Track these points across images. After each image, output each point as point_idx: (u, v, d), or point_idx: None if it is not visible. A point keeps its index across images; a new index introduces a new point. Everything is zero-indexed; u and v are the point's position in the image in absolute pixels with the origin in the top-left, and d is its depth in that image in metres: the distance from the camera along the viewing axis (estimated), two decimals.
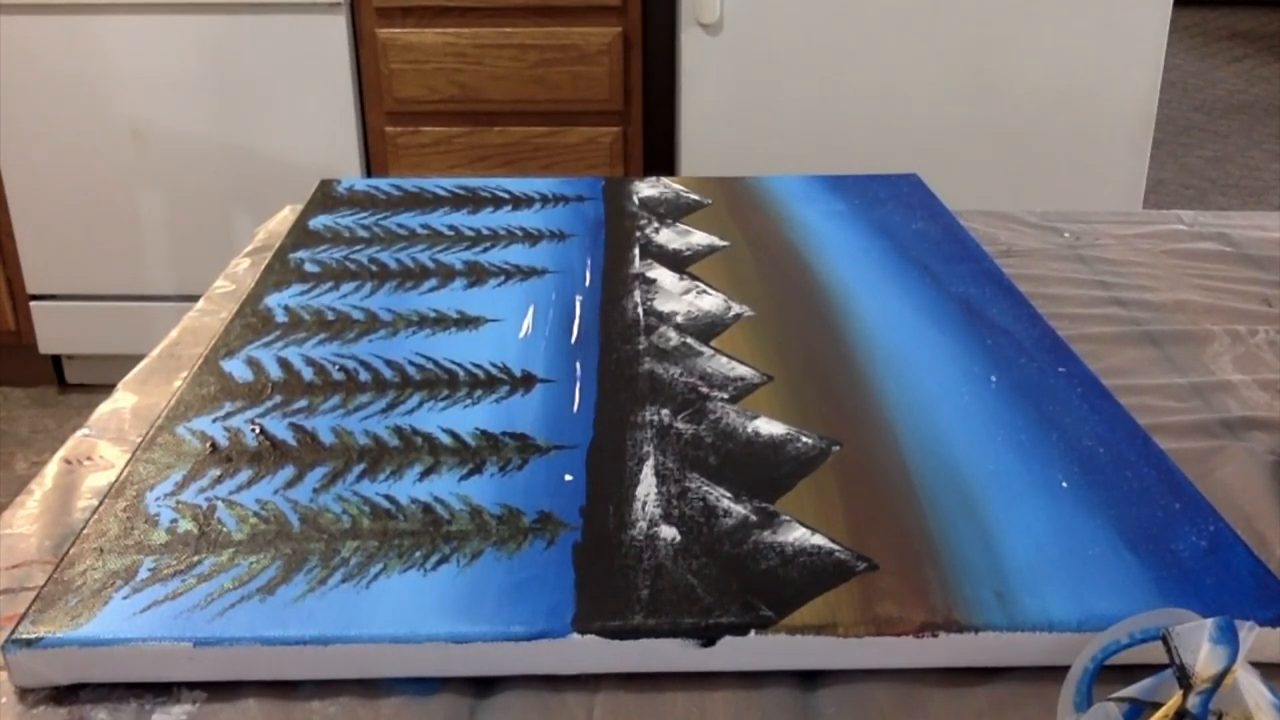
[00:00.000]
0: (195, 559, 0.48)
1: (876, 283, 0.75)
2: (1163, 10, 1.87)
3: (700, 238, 0.82)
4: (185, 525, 0.50)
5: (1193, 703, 0.36)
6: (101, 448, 0.60)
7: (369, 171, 1.99)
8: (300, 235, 0.82)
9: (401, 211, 0.86)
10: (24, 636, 0.43)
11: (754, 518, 0.51)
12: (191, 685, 0.44)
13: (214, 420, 0.58)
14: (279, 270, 0.76)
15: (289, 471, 0.54)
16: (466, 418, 0.58)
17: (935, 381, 0.62)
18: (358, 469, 0.54)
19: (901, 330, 0.68)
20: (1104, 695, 0.39)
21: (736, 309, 0.71)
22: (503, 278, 0.75)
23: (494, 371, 0.63)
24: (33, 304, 1.95)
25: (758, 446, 0.56)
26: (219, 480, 0.53)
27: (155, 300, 1.95)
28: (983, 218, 0.91)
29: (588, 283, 0.74)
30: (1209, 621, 0.38)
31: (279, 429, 0.57)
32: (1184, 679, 0.37)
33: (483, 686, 0.44)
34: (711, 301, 0.72)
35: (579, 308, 0.71)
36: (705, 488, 0.53)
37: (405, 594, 0.46)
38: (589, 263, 0.78)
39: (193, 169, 1.84)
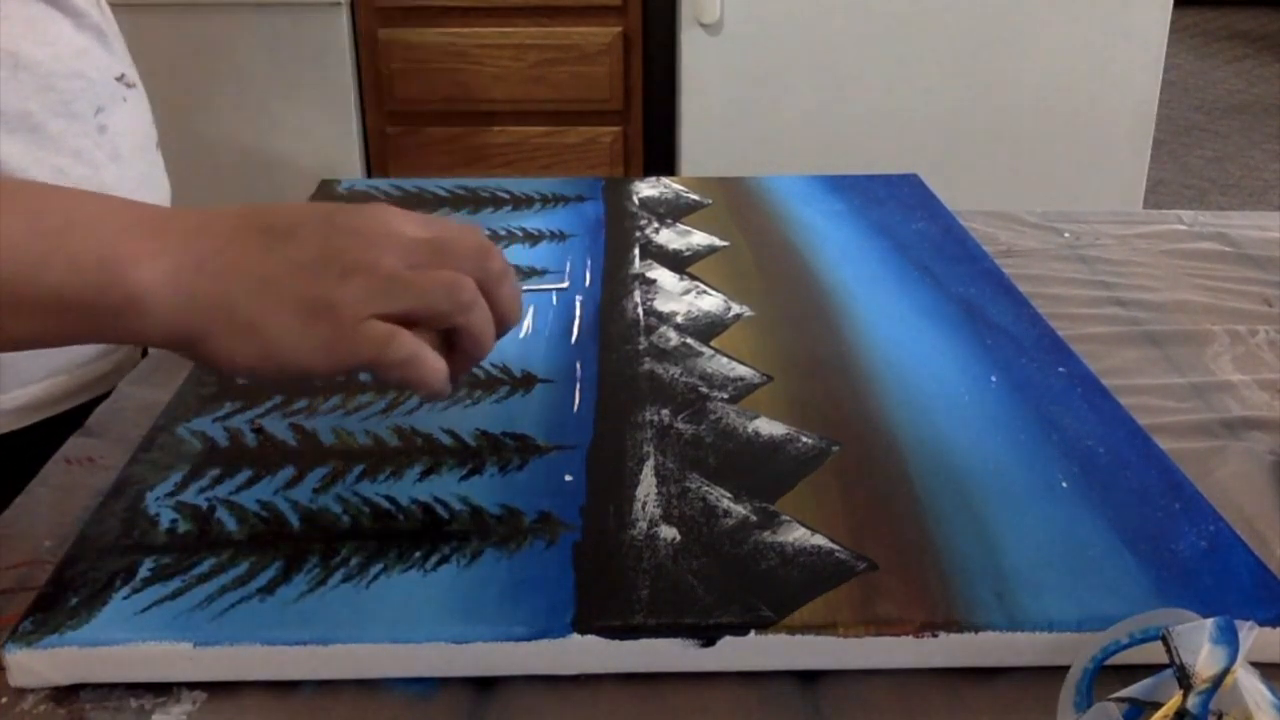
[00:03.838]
0: (195, 559, 0.48)
1: (876, 283, 0.75)
2: (1163, 10, 1.87)
3: (700, 238, 0.82)
4: (185, 525, 0.50)
5: (1193, 703, 0.36)
6: (101, 448, 0.60)
7: (369, 171, 1.99)
8: None
9: None
10: (24, 636, 0.43)
11: (754, 518, 0.51)
12: (191, 685, 0.44)
13: (214, 420, 0.58)
14: None
15: (289, 471, 0.54)
16: (466, 418, 0.58)
17: (935, 381, 0.62)
18: (358, 469, 0.54)
19: (901, 330, 0.68)
20: (1104, 695, 0.39)
21: (736, 309, 0.71)
22: None
23: (494, 372, 0.63)
24: None
25: (758, 447, 0.56)
26: (219, 480, 0.53)
27: None
28: (983, 218, 0.91)
29: (588, 283, 0.74)
30: (1209, 621, 0.38)
31: (279, 429, 0.57)
32: (1184, 679, 0.37)
33: (483, 686, 0.44)
34: (711, 301, 0.72)
35: (579, 308, 0.71)
36: (705, 488, 0.53)
37: (405, 594, 0.46)
38: (589, 263, 0.78)
39: (193, 169, 1.84)
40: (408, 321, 0.45)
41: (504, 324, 0.49)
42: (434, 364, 0.46)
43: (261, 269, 0.44)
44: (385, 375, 0.46)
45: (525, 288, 0.56)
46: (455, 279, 0.46)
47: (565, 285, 0.65)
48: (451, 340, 0.48)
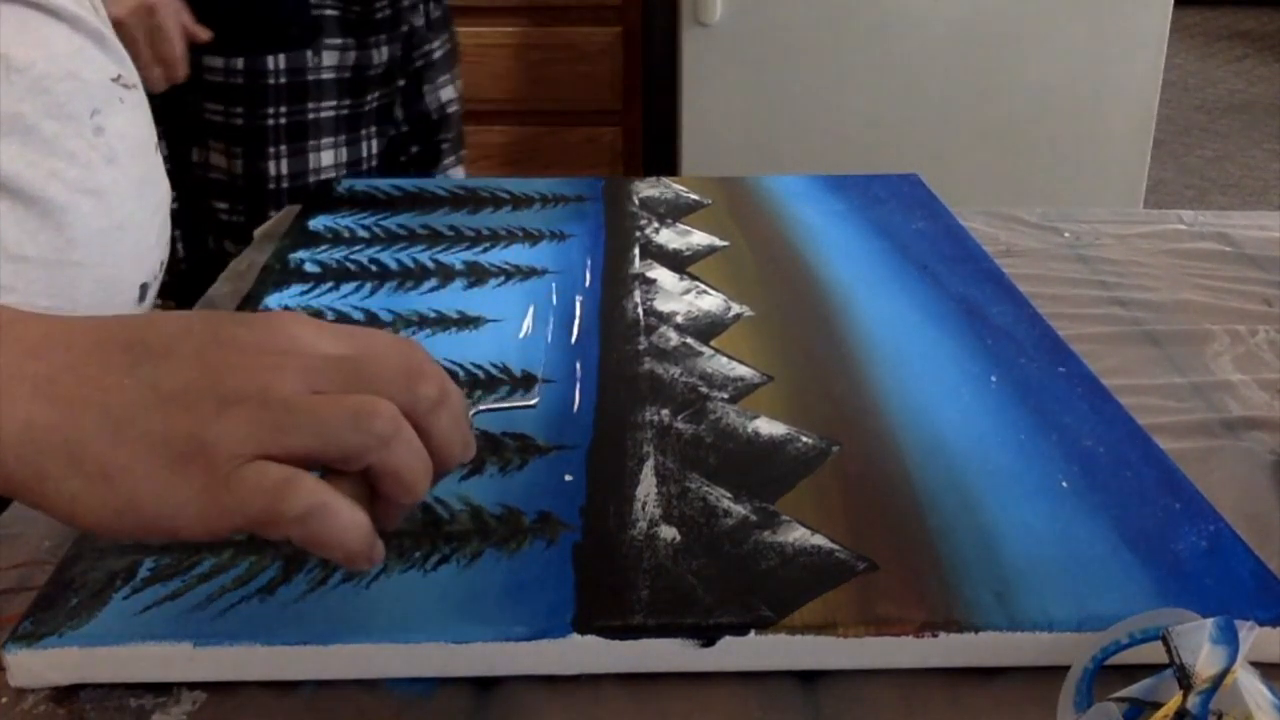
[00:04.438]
0: (195, 559, 0.48)
1: (876, 283, 0.75)
2: (1163, 10, 1.87)
3: (700, 238, 0.82)
4: None
5: (1193, 703, 0.36)
6: None
7: None
8: (300, 235, 0.82)
9: (401, 211, 0.86)
10: (24, 636, 0.43)
11: (754, 518, 0.51)
12: (191, 685, 0.44)
13: None
14: (279, 270, 0.76)
15: None
16: None
17: (935, 381, 0.62)
18: None
19: (901, 330, 0.68)
20: (1104, 695, 0.39)
21: (736, 309, 0.71)
22: (503, 278, 0.75)
23: (494, 372, 0.63)
24: None
25: (758, 447, 0.56)
26: None
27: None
28: (983, 218, 0.91)
29: (588, 283, 0.74)
30: (1209, 621, 0.38)
31: None
32: (1184, 679, 0.37)
33: (483, 686, 0.44)
34: (711, 301, 0.72)
35: (579, 308, 0.71)
36: (705, 488, 0.53)
37: (405, 594, 0.46)
38: (589, 263, 0.78)
39: None
40: (313, 466, 0.36)
41: (443, 461, 0.39)
42: (348, 517, 0.36)
43: (120, 396, 0.35)
44: (285, 535, 0.36)
45: (489, 407, 0.52)
46: (367, 405, 0.36)
47: (535, 402, 0.58)
48: (373, 485, 0.38)
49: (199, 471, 0.35)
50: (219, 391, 0.36)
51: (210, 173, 1.15)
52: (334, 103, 1.14)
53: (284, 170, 1.13)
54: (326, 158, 1.15)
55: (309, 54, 1.11)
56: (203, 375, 0.36)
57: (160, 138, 1.18)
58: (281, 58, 1.10)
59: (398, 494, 0.38)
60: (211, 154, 1.15)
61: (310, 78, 1.12)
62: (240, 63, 1.10)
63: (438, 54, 1.24)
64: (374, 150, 1.19)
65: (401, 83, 1.20)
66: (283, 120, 1.12)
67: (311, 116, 1.13)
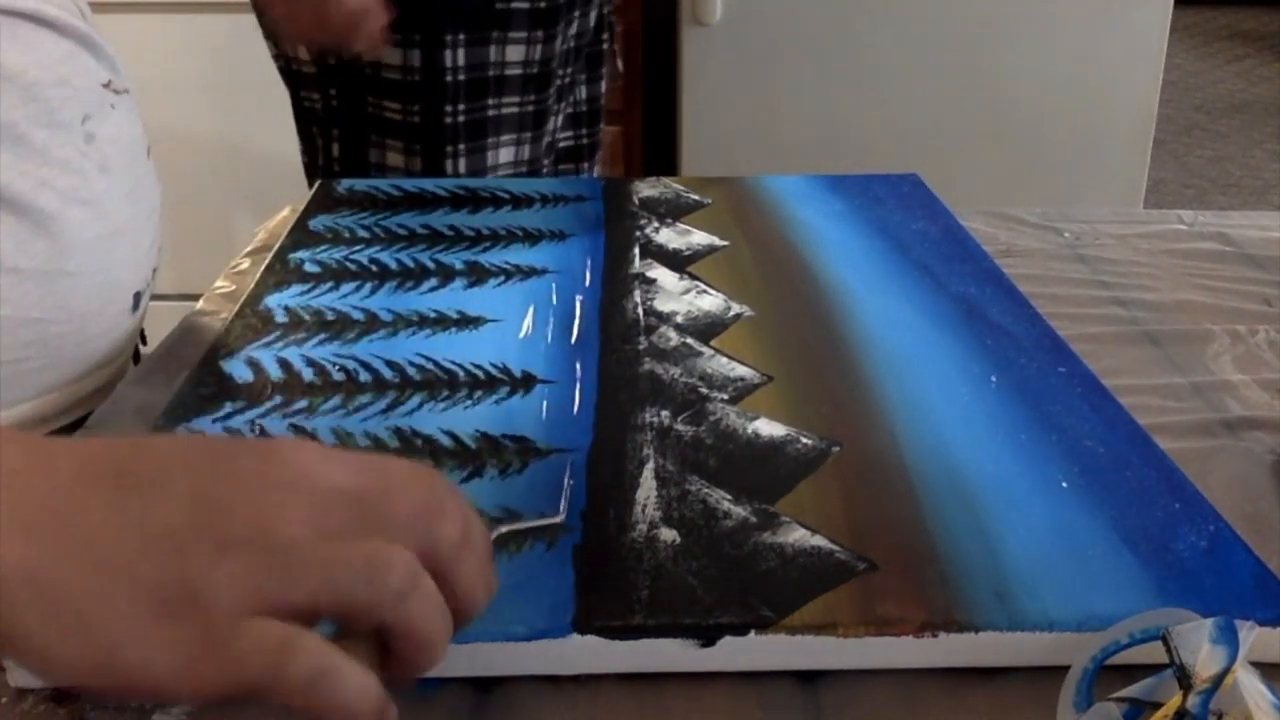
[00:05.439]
0: None
1: (876, 283, 0.75)
2: (1163, 10, 1.87)
3: (700, 238, 0.82)
4: None
5: (1193, 703, 0.36)
6: None
7: None
8: (300, 235, 0.82)
9: (401, 211, 0.86)
10: None
11: (754, 519, 0.51)
12: None
13: (214, 421, 0.58)
14: (279, 270, 0.76)
15: None
16: (466, 419, 0.58)
17: (935, 381, 0.62)
18: None
19: (901, 330, 0.68)
20: (1104, 695, 0.39)
21: (736, 309, 0.71)
22: (503, 278, 0.75)
23: (494, 372, 0.63)
24: None
25: (758, 448, 0.56)
26: None
27: (155, 300, 1.95)
28: (983, 218, 0.91)
29: (588, 283, 0.74)
30: (1209, 621, 0.39)
31: (279, 430, 0.57)
32: (1184, 679, 0.37)
33: (483, 686, 0.44)
34: (711, 301, 0.72)
35: (579, 308, 0.71)
36: (705, 489, 0.53)
37: None
38: (589, 263, 0.78)
39: (193, 169, 1.84)
40: (318, 620, 0.32)
41: (465, 611, 0.36)
42: (357, 683, 0.32)
43: (105, 537, 0.31)
44: (285, 702, 0.32)
45: (512, 528, 0.50)
46: (382, 554, 0.33)
47: (561, 519, 0.51)
48: (386, 642, 0.34)
49: (191, 627, 0.31)
50: (216, 533, 0.32)
51: (387, 173, 1.10)
52: (517, 99, 1.08)
53: (462, 169, 1.07)
54: (505, 154, 1.09)
55: (492, 48, 1.05)
56: (198, 513, 0.32)
57: (335, 140, 1.14)
58: (460, 53, 1.04)
59: (413, 654, 0.34)
60: (388, 153, 1.09)
61: (492, 74, 1.06)
62: (417, 57, 1.04)
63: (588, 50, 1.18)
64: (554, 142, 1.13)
65: (568, 73, 1.13)
66: (461, 118, 1.06)
67: (492, 113, 1.07)
